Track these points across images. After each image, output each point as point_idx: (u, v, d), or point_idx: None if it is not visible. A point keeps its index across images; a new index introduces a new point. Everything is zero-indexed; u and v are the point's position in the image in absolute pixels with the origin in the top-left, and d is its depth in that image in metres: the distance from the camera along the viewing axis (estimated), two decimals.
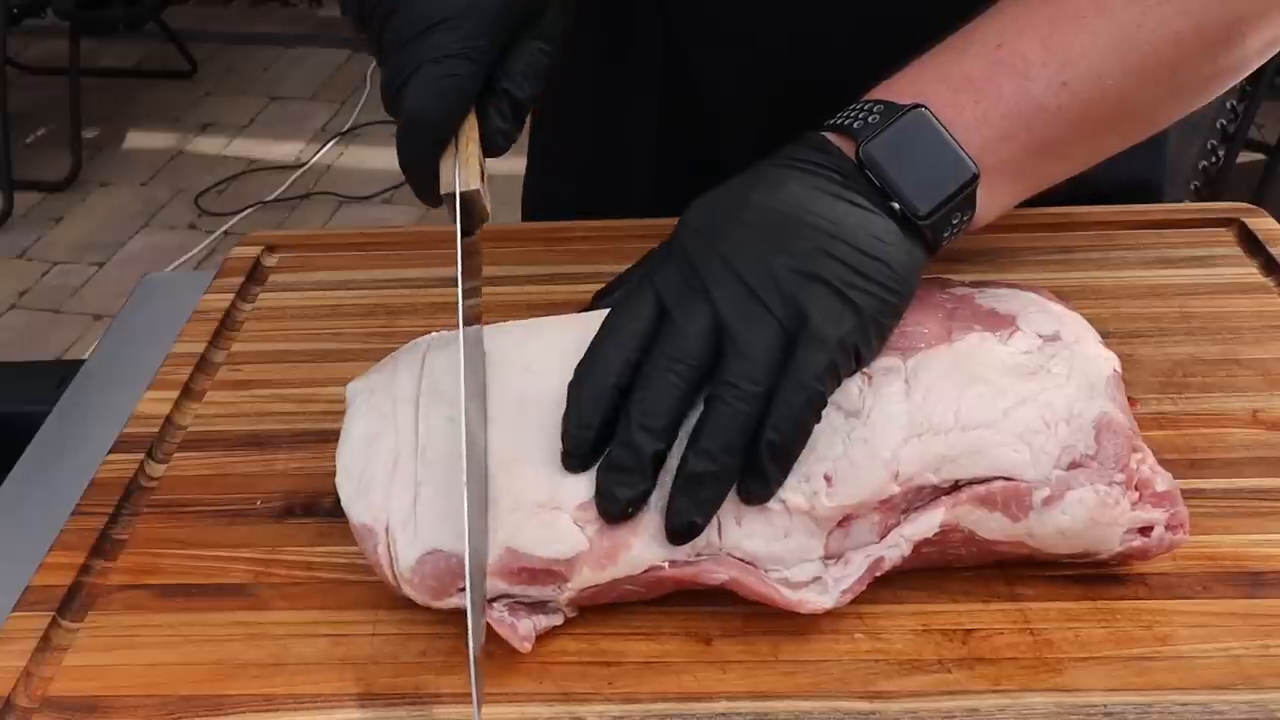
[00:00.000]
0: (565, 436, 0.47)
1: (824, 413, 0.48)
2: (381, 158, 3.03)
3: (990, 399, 0.49)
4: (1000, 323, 0.52)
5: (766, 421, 0.45)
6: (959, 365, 0.50)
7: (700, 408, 0.47)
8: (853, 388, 0.49)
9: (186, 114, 3.26)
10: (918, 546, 0.48)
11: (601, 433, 0.47)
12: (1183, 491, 0.50)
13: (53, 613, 0.51)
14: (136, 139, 3.15)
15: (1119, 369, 0.51)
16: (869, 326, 0.48)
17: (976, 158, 0.50)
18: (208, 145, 3.12)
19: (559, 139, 0.88)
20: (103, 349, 0.75)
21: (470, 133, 0.50)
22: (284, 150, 3.08)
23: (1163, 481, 0.49)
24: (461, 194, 0.48)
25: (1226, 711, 0.45)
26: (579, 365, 0.48)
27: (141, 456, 0.60)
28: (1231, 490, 0.55)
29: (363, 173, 2.97)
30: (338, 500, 0.50)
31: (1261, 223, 0.73)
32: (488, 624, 0.47)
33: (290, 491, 0.57)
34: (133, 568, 0.54)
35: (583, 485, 0.47)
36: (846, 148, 0.51)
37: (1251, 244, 0.72)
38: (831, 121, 0.53)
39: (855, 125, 0.51)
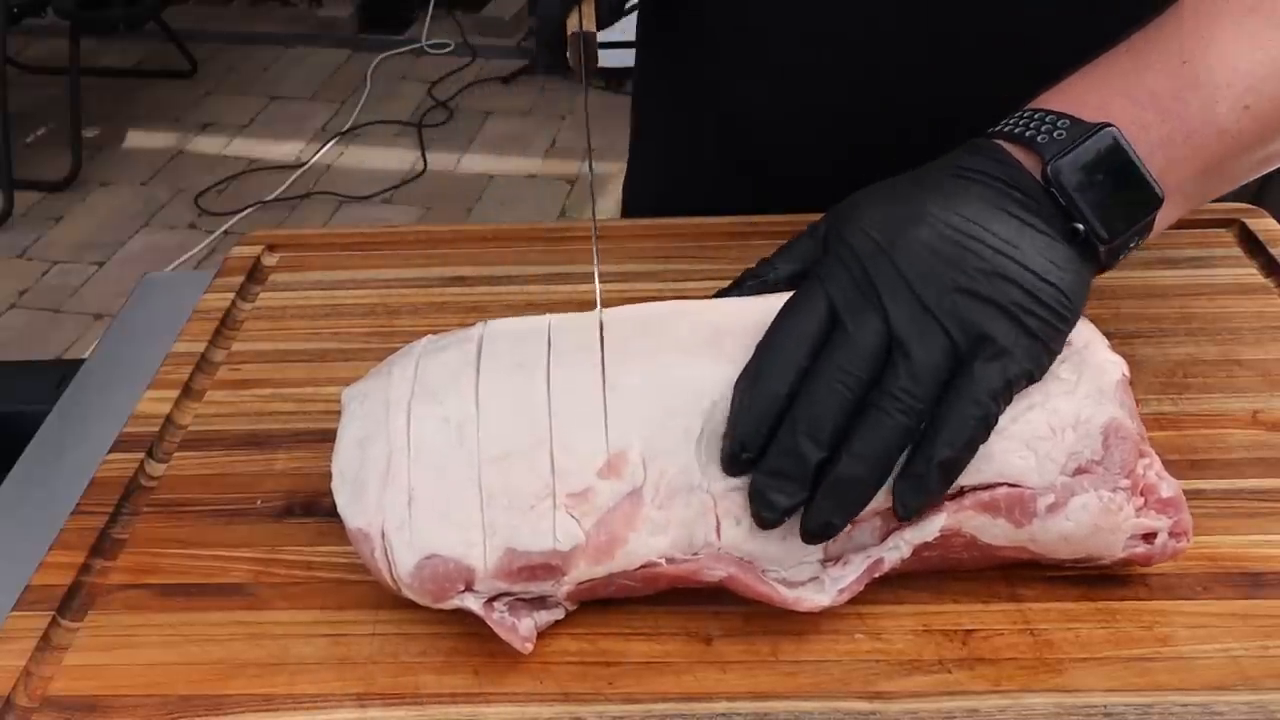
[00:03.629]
0: (732, 440, 0.46)
1: None
2: (381, 157, 3.03)
3: None
4: None
5: (939, 436, 0.45)
6: None
7: None
8: None
9: (186, 114, 3.26)
10: (918, 550, 0.48)
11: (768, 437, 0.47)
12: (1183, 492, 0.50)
13: (53, 612, 0.51)
14: (136, 139, 3.15)
15: (1127, 373, 0.51)
16: (1041, 353, 0.48)
17: (1159, 178, 0.50)
18: (208, 145, 3.12)
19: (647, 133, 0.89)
20: (103, 348, 0.75)
21: (588, 9, 0.60)
22: (284, 150, 3.07)
23: (1168, 488, 0.49)
24: (584, 34, 0.59)
25: (1226, 712, 0.45)
26: (748, 367, 0.48)
27: (141, 456, 0.60)
28: (1231, 491, 0.55)
29: (363, 173, 2.97)
30: None
31: (1261, 223, 0.73)
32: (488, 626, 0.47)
33: (290, 491, 0.57)
34: (133, 567, 0.54)
35: (577, 476, 0.47)
36: (1028, 162, 0.50)
37: (1251, 244, 0.72)
38: (1006, 129, 0.52)
39: (1040, 139, 0.50)
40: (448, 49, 3.53)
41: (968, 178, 0.50)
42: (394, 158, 3.03)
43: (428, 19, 3.60)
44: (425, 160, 3.00)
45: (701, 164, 0.84)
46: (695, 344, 0.50)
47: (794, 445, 0.45)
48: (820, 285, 0.49)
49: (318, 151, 3.06)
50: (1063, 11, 0.66)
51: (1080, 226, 0.49)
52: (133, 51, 3.53)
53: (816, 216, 0.54)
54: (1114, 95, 0.52)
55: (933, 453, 0.45)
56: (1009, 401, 0.47)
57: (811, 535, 0.46)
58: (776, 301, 0.51)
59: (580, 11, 0.61)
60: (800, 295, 0.49)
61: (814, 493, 0.46)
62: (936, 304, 0.47)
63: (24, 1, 3.06)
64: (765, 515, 0.46)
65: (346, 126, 3.16)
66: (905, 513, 0.46)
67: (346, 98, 3.31)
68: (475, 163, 3.01)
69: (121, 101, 3.31)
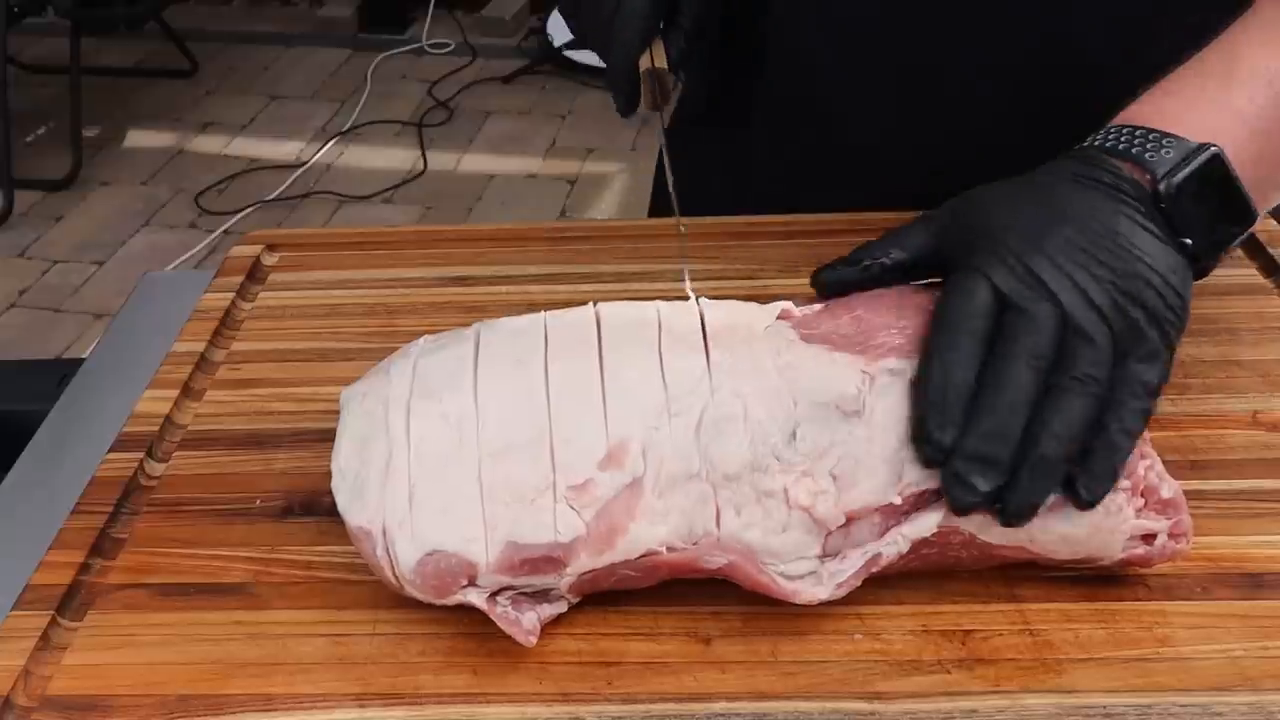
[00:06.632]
0: (924, 435, 0.47)
1: (826, 415, 0.48)
2: (381, 157, 3.03)
3: None
4: None
5: (1113, 425, 0.46)
6: None
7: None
8: (853, 389, 0.49)
9: (186, 113, 3.26)
10: (917, 547, 0.48)
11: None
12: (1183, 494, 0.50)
13: (52, 611, 0.51)
14: (137, 138, 3.15)
15: None
16: (1170, 357, 0.49)
17: (1250, 195, 0.52)
18: (208, 144, 3.12)
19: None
20: (103, 348, 0.75)
21: (658, 50, 0.63)
22: (284, 150, 3.07)
23: (1169, 489, 0.49)
24: (656, 70, 0.62)
25: (1225, 713, 0.45)
26: (929, 359, 0.48)
27: (141, 455, 0.60)
28: (1231, 491, 0.55)
29: (363, 172, 2.96)
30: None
31: (1261, 223, 0.73)
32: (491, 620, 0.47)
33: (290, 491, 0.57)
34: (132, 567, 0.54)
35: (577, 469, 0.47)
36: (1139, 177, 0.51)
37: (1251, 245, 0.72)
38: (1109, 144, 0.53)
39: (1148, 156, 0.51)
40: (448, 49, 3.53)
41: (1088, 185, 0.51)
42: (394, 157, 3.03)
43: (428, 19, 3.60)
44: (425, 160, 3.00)
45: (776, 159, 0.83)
46: (692, 338, 0.51)
47: (999, 429, 0.46)
48: (983, 277, 0.49)
49: (318, 151, 3.06)
50: (1118, 22, 0.67)
51: (1188, 241, 0.50)
52: (133, 51, 3.53)
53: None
54: (1208, 113, 0.53)
55: (1111, 441, 0.46)
56: (1157, 397, 0.48)
57: (1018, 517, 0.46)
58: (766, 307, 0.52)
59: (652, 48, 0.62)
60: (965, 286, 0.49)
61: (1021, 473, 0.46)
62: (1099, 298, 0.48)
63: (24, 1, 3.06)
64: (968, 500, 0.46)
65: (346, 126, 3.16)
66: (1091, 498, 0.47)
67: (346, 97, 3.31)
68: (475, 162, 3.01)
69: (121, 101, 3.30)
